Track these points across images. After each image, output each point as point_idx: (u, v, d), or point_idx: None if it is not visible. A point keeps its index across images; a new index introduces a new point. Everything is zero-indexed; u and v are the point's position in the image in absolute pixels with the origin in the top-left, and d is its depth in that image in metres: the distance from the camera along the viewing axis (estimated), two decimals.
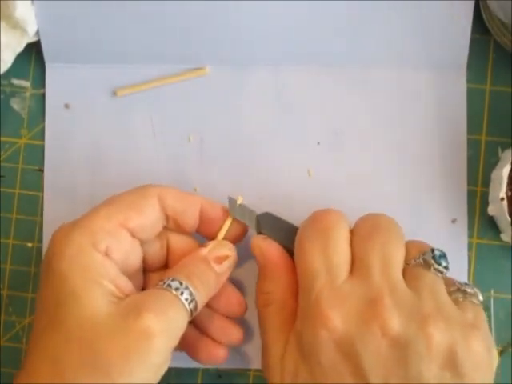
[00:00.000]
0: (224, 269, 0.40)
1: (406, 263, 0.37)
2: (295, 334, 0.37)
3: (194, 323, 0.41)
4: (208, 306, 0.40)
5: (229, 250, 0.40)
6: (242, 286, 0.44)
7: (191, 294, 0.36)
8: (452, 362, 0.34)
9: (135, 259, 0.39)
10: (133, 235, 0.38)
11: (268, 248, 0.40)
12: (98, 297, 0.35)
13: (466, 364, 0.34)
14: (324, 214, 0.38)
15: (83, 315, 0.34)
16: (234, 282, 0.43)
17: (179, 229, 0.41)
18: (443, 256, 0.37)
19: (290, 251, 0.40)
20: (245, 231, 0.42)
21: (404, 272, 0.36)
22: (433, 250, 0.37)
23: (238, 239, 0.42)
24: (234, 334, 0.42)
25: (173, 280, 0.37)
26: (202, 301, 0.38)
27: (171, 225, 0.40)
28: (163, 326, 0.34)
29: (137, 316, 0.34)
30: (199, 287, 0.37)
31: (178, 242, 0.41)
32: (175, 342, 0.36)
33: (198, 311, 0.37)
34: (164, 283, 0.37)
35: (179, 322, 0.36)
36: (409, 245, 0.38)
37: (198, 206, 0.40)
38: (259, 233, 0.41)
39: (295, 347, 0.36)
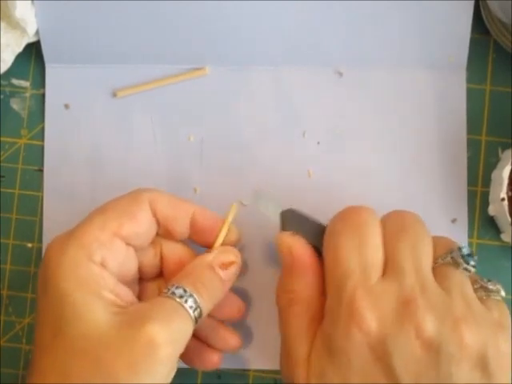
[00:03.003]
0: (229, 275, 0.39)
1: (434, 261, 0.36)
2: (322, 335, 0.36)
3: None
4: None
5: (234, 256, 0.39)
6: (239, 289, 0.44)
7: (196, 302, 0.36)
8: (482, 363, 0.34)
9: (131, 267, 0.39)
10: (127, 243, 0.38)
11: (296, 245, 0.38)
12: (99, 309, 0.35)
13: (494, 364, 0.34)
14: (356, 210, 0.37)
15: (87, 329, 0.34)
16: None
17: (169, 236, 0.40)
18: (471, 255, 0.36)
19: (314, 249, 0.38)
20: (240, 239, 0.41)
21: (433, 270, 0.36)
22: (460, 248, 0.36)
23: (234, 246, 0.41)
24: (231, 340, 0.41)
25: (177, 288, 0.36)
26: (207, 308, 0.37)
27: (162, 231, 0.40)
28: (168, 336, 0.34)
29: (141, 326, 0.34)
30: (204, 294, 0.37)
31: (172, 249, 0.40)
32: (181, 350, 0.35)
33: (203, 318, 0.37)
34: (168, 291, 0.36)
35: (184, 330, 0.35)
36: (436, 242, 0.37)
37: (189, 213, 0.40)
38: (283, 229, 0.39)
39: (322, 347, 0.36)
